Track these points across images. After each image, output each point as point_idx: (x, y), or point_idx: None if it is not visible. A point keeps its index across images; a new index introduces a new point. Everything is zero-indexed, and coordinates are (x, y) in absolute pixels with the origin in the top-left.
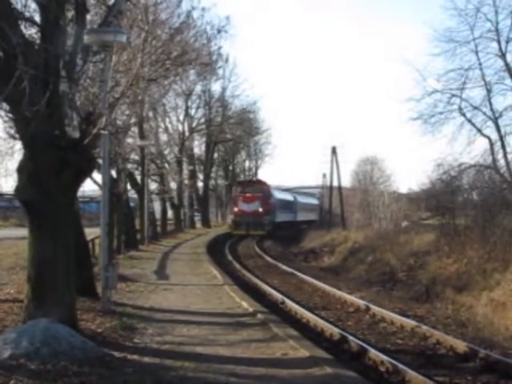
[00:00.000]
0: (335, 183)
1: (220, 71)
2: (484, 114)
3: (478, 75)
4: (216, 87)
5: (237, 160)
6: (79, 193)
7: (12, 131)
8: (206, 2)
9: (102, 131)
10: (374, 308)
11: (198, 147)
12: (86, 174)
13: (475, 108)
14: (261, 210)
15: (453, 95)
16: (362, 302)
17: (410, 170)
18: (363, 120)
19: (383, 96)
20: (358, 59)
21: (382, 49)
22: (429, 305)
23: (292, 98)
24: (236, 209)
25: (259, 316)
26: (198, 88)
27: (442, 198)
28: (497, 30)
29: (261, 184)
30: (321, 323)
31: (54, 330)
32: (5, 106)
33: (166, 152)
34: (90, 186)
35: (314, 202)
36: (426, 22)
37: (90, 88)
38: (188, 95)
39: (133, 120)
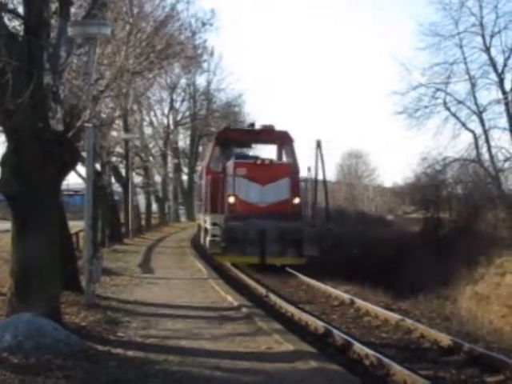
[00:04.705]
0: (320, 177)
1: (205, 65)
2: (468, 108)
3: (463, 69)
4: (201, 81)
5: None
6: (63, 186)
7: None
8: None
9: (86, 124)
10: (359, 302)
11: (183, 140)
12: (70, 167)
13: (460, 102)
14: (297, 200)
15: (437, 89)
16: (346, 296)
17: (395, 164)
18: (348, 114)
19: (368, 90)
20: (345, 54)
21: (369, 43)
22: (413, 299)
23: (277, 92)
24: (231, 199)
25: (244, 310)
26: (183, 81)
27: (427, 191)
28: (481, 24)
29: (281, 137)
30: (305, 317)
31: (38, 324)
32: None
33: (150, 145)
34: (74, 179)
35: None
36: (412, 17)
37: (73, 81)
38: (173, 88)
39: (117, 113)
